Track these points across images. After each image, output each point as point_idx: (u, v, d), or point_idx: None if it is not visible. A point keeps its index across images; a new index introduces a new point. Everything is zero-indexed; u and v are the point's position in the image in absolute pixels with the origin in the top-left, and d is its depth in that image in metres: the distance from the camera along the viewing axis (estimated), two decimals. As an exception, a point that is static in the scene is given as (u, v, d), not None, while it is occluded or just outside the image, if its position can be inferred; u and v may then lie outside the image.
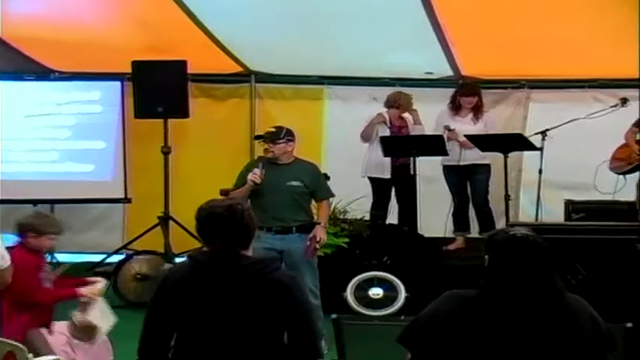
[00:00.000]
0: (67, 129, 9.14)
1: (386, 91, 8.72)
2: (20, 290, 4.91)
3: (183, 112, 8.58)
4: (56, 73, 9.40)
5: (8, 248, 4.79)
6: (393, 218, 8.28)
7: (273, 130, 6.30)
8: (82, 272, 8.48)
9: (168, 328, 3.39)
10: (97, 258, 8.81)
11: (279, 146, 6.23)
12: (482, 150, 7.89)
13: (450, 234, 8.46)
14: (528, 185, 8.71)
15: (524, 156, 8.72)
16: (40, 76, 9.33)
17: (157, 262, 8.04)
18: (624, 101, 7.95)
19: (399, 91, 8.48)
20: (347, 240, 7.43)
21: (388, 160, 8.11)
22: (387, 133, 8.18)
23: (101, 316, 5.22)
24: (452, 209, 8.40)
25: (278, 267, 3.46)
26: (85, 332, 5.18)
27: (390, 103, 8.32)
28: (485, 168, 8.19)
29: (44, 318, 5.18)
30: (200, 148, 9.36)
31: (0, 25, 7.49)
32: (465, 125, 8.12)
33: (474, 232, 8.39)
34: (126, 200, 9.03)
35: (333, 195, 6.49)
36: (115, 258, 8.48)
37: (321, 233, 6.24)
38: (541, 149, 7.84)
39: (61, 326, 5.21)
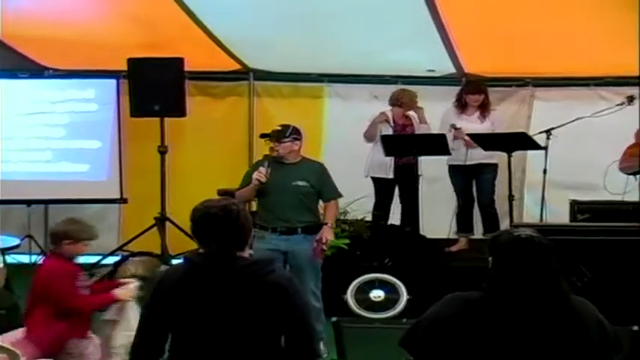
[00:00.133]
0: (61, 128, 9.14)
1: (387, 89, 8.72)
2: (57, 298, 4.93)
3: (180, 111, 8.58)
4: (50, 71, 9.41)
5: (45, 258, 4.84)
6: (396, 219, 8.27)
7: (279, 128, 6.25)
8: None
9: (162, 331, 3.38)
10: (93, 259, 8.79)
11: (284, 145, 6.19)
12: (486, 149, 7.88)
13: (453, 235, 8.46)
14: (532, 185, 8.71)
15: (529, 155, 8.73)
16: (34, 74, 9.33)
17: (153, 264, 7.99)
18: (631, 99, 7.94)
19: (402, 88, 8.47)
20: (347, 241, 7.42)
21: (391, 159, 8.10)
22: (390, 132, 8.17)
23: (134, 317, 5.23)
24: (456, 210, 8.40)
25: (274, 269, 3.44)
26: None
27: (393, 101, 8.31)
28: (492, 167, 8.16)
29: (82, 327, 5.15)
30: (197, 147, 9.35)
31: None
32: (472, 124, 8.11)
33: (478, 233, 8.38)
34: (122, 201, 9.03)
35: (340, 195, 6.44)
36: (111, 259, 8.46)
37: (327, 234, 6.20)
38: (545, 148, 7.83)
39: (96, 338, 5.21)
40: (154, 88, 8.38)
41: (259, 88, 9.58)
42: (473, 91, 8.23)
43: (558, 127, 7.90)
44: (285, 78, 9.49)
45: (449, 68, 8.80)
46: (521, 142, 7.83)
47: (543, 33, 7.53)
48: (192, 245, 3.92)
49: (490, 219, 8.22)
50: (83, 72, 9.26)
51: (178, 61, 8.43)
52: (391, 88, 8.63)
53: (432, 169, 8.35)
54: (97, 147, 9.12)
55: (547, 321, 3.05)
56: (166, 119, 8.63)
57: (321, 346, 5.67)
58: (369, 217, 8.02)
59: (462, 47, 8.18)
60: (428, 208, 8.20)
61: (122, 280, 5.41)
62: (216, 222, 3.36)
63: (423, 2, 7.03)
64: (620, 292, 5.63)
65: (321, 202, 6.41)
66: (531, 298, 3.06)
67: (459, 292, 3.20)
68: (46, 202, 9.22)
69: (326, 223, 6.24)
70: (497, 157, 8.07)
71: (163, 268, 6.82)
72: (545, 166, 7.89)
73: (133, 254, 8.19)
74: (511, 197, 7.86)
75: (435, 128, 8.21)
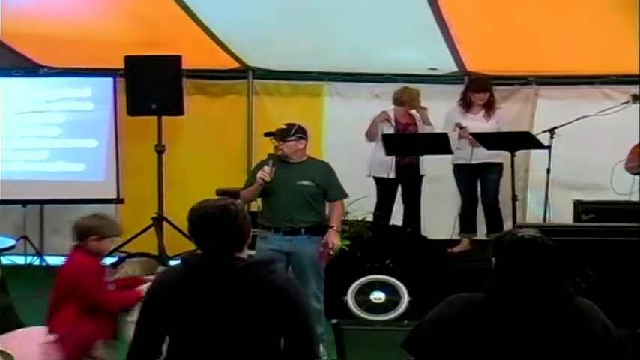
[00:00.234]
0: (57, 127, 9.14)
1: (388, 88, 8.71)
2: (85, 294, 4.93)
3: (177, 110, 8.58)
4: (46, 69, 9.40)
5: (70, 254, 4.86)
6: (398, 220, 8.27)
7: (284, 127, 6.21)
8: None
9: (159, 333, 3.38)
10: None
11: (289, 144, 6.15)
12: (488, 148, 7.87)
13: (456, 236, 8.46)
14: (536, 185, 8.71)
15: (532, 155, 8.72)
16: (29, 72, 9.32)
17: (150, 265, 7.99)
18: (635, 98, 7.93)
19: (405, 86, 8.46)
20: (348, 242, 7.40)
21: (393, 159, 8.09)
22: (391, 131, 8.16)
23: None
24: (459, 210, 8.40)
25: (274, 270, 3.44)
26: None
27: (395, 100, 8.31)
28: (497, 167, 8.15)
29: (109, 327, 5.11)
30: (195, 146, 9.35)
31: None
32: (477, 122, 8.11)
33: (480, 234, 8.38)
34: (118, 201, 9.03)
35: (346, 196, 6.41)
36: (107, 261, 8.44)
37: (333, 238, 6.17)
38: (549, 148, 7.82)
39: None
40: (151, 86, 8.38)
41: (258, 87, 9.58)
42: (478, 89, 8.23)
43: (562, 125, 7.89)
44: (284, 76, 9.49)
45: (451, 66, 8.80)
46: (524, 141, 7.82)
47: (547, 30, 7.53)
48: (190, 246, 3.91)
49: (494, 219, 8.22)
50: (79, 70, 9.26)
51: (176, 59, 8.43)
52: (392, 87, 8.62)
53: (435, 169, 8.35)
54: (94, 146, 9.12)
55: (551, 323, 3.05)
56: (164, 118, 8.64)
57: (321, 348, 5.68)
58: (369, 218, 8.02)
59: (465, 45, 8.17)
60: (430, 209, 8.20)
61: (146, 278, 5.41)
62: (214, 222, 3.35)
63: (425, -1, 7.04)
64: (626, 294, 5.62)
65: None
66: (535, 300, 3.06)
67: (462, 293, 3.19)
68: (42, 202, 9.23)
69: (332, 227, 6.22)
70: (502, 156, 8.05)
71: (160, 269, 6.82)
72: (549, 165, 7.88)
73: (130, 255, 8.19)
74: (514, 197, 7.86)
75: (438, 128, 8.19)
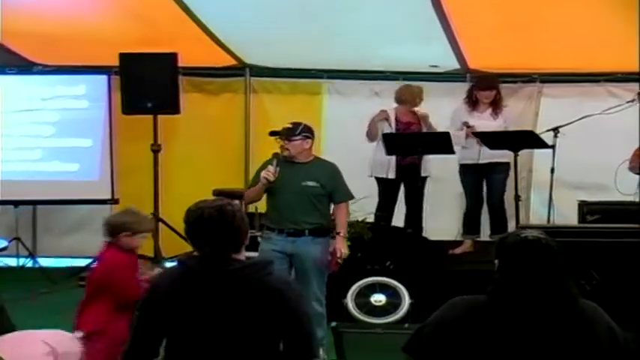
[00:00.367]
0: (50, 126, 9.14)
1: (388, 86, 8.71)
2: (118, 291, 4.94)
3: (173, 108, 8.59)
4: (39, 67, 9.40)
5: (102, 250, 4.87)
6: (400, 220, 8.26)
7: (289, 126, 6.17)
8: (66, 278, 8.52)
9: (156, 336, 3.39)
10: (82, 263, 8.79)
11: (294, 143, 6.12)
12: (491, 148, 7.86)
13: (458, 237, 8.45)
14: (539, 185, 8.70)
15: (536, 154, 8.71)
16: (22, 70, 9.33)
17: (145, 267, 8.00)
18: (642, 96, 7.93)
19: (407, 84, 8.45)
20: (348, 243, 7.40)
21: (394, 159, 8.09)
22: (391, 130, 8.15)
23: None
24: (463, 210, 8.40)
25: (271, 271, 3.43)
26: None
27: (396, 99, 8.30)
28: (505, 166, 8.10)
29: None
30: (192, 145, 9.35)
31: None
32: (484, 121, 8.10)
33: (484, 235, 8.37)
34: (113, 201, 9.02)
35: (352, 197, 6.39)
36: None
37: (341, 246, 6.17)
38: (553, 147, 7.82)
39: None
40: (146, 84, 8.39)
41: (256, 85, 9.58)
42: (484, 87, 8.21)
43: (566, 124, 7.87)
44: (282, 74, 9.49)
45: (453, 64, 8.80)
46: (527, 140, 7.81)
47: (551, 26, 7.53)
48: (187, 247, 3.92)
49: (498, 220, 8.22)
50: (73, 67, 9.26)
51: (172, 57, 8.44)
52: (393, 85, 8.63)
53: (437, 170, 8.35)
54: (88, 145, 9.13)
55: (555, 326, 3.05)
56: (159, 117, 8.64)
57: (321, 352, 5.67)
58: (370, 219, 8.01)
59: (466, 42, 8.17)
60: (432, 210, 8.19)
61: None
62: (211, 223, 3.35)
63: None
64: (631, 297, 5.62)
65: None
66: (538, 302, 3.06)
67: (464, 295, 3.19)
68: (35, 202, 9.22)
69: (339, 233, 6.20)
70: (509, 155, 8.01)
71: (156, 271, 6.81)
72: (553, 165, 7.87)
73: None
74: (517, 198, 7.85)
75: (442, 127, 8.18)
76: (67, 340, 5.05)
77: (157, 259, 8.19)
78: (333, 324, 5.98)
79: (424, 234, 8.04)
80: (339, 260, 6.18)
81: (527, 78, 9.12)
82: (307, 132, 6.16)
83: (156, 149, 8.66)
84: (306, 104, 9.37)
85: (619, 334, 3.12)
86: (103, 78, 9.04)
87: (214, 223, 3.34)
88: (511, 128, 8.06)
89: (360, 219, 7.77)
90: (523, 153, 8.00)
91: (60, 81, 9.24)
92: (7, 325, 5.31)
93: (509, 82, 9.06)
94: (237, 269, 3.35)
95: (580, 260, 5.65)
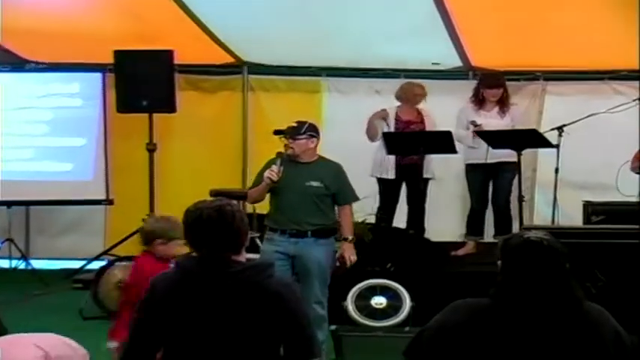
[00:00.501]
0: (43, 124, 9.14)
1: (389, 84, 8.71)
2: None
3: (169, 106, 8.57)
4: (32, 64, 9.40)
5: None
6: (402, 221, 8.25)
7: (294, 124, 6.16)
8: (60, 280, 8.52)
9: (154, 340, 3.38)
10: (76, 264, 8.81)
11: (299, 142, 6.10)
12: (494, 147, 7.85)
13: (460, 238, 8.45)
14: (543, 185, 8.70)
15: (540, 154, 8.71)
16: (15, 68, 9.33)
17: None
18: (646, 94, 7.93)
19: (408, 82, 8.45)
20: (350, 245, 7.41)
21: (393, 158, 8.08)
22: (390, 129, 8.15)
23: None
24: (468, 211, 8.39)
25: (271, 274, 3.43)
26: None
27: (396, 97, 8.30)
28: (512, 166, 8.03)
29: None
30: (188, 145, 9.35)
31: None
32: (491, 120, 8.08)
33: (487, 236, 8.37)
34: (107, 202, 9.02)
35: (357, 198, 6.39)
36: (96, 264, 8.46)
37: (350, 253, 6.19)
38: (557, 146, 7.81)
39: None
40: (141, 82, 8.38)
41: (253, 83, 9.57)
42: (491, 85, 8.19)
43: (571, 123, 7.87)
44: (280, 71, 9.48)
45: (455, 61, 8.79)
46: (531, 139, 7.80)
47: (555, 23, 7.53)
48: (184, 249, 3.92)
49: (503, 220, 8.20)
50: (67, 65, 9.26)
51: (168, 54, 8.42)
52: (393, 83, 8.62)
53: (439, 170, 8.35)
54: (82, 144, 9.12)
55: (559, 329, 3.05)
56: (155, 115, 8.63)
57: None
58: (370, 219, 8.01)
59: (469, 39, 8.17)
60: (434, 210, 8.18)
61: None
62: (211, 224, 3.34)
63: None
64: (636, 298, 5.62)
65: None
66: (542, 305, 3.06)
67: (466, 298, 3.19)
68: (27, 203, 9.21)
69: (346, 239, 6.20)
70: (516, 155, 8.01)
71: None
72: (557, 164, 7.87)
73: (120, 259, 8.17)
74: (521, 198, 7.83)
75: (444, 126, 8.16)
76: (60, 344, 5.04)
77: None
78: (333, 327, 5.99)
79: (426, 235, 8.03)
80: (347, 267, 6.20)
81: (531, 76, 9.12)
82: (312, 131, 6.16)
83: (151, 148, 8.65)
84: (305, 102, 9.36)
85: (625, 337, 3.12)
86: (98, 76, 9.04)
87: (213, 224, 3.34)
88: (518, 127, 8.05)
89: (360, 220, 7.77)
90: (527, 152, 8.00)
91: (53, 79, 9.24)
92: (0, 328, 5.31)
93: (512, 79, 9.05)
94: (238, 271, 3.35)
95: (585, 262, 5.65)
